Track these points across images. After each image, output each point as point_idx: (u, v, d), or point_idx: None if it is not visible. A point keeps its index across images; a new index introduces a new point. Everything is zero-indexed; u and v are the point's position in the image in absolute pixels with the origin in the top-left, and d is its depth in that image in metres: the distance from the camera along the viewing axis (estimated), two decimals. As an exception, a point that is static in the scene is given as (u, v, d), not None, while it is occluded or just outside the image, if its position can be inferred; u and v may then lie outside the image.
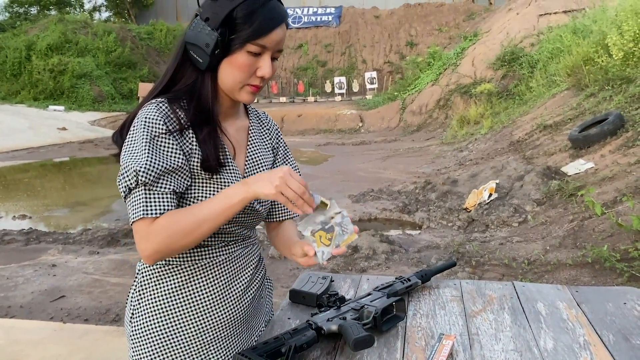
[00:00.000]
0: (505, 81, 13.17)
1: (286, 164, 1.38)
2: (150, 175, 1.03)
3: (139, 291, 1.22)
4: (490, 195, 5.98)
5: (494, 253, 4.50)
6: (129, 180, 1.04)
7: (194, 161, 1.13)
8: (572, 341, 1.21)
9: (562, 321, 1.31)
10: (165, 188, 1.05)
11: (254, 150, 1.28)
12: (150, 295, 1.20)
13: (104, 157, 11.97)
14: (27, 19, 27.01)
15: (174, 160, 1.08)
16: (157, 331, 1.19)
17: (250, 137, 1.29)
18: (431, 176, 8.11)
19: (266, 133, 1.36)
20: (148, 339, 1.20)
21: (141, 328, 1.20)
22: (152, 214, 1.03)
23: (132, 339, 1.23)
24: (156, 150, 1.06)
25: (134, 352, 1.22)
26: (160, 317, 1.19)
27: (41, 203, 8.00)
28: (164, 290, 1.19)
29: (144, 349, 1.20)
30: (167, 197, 1.05)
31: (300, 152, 12.18)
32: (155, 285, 1.19)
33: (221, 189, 1.15)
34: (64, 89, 19.76)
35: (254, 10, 1.06)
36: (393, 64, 21.99)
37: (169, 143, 1.08)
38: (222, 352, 1.24)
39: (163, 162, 1.06)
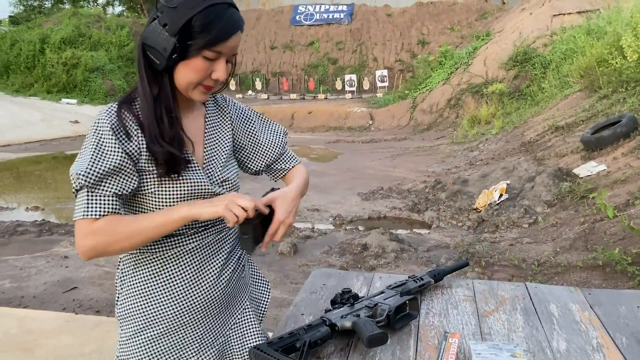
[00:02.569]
0: (517, 81, 13.08)
1: (268, 130, 1.43)
2: (90, 178, 1.09)
3: (120, 278, 1.31)
4: (501, 195, 5.96)
5: (503, 254, 4.48)
6: (74, 183, 1.11)
7: (144, 163, 1.16)
8: (585, 343, 1.21)
9: (575, 323, 1.31)
10: (106, 190, 1.11)
11: (212, 138, 1.31)
12: (130, 281, 1.28)
13: (115, 150, 12.02)
14: (42, 12, 27.24)
15: (116, 162, 1.12)
16: (138, 314, 1.26)
17: (207, 124, 1.31)
18: (441, 175, 8.09)
19: (227, 117, 1.37)
20: (131, 321, 1.27)
21: (125, 311, 1.28)
22: (91, 215, 1.10)
23: (119, 321, 1.31)
24: (100, 154, 1.11)
25: (121, 331, 1.30)
26: (140, 302, 1.26)
27: (53, 195, 8.09)
28: (141, 277, 1.26)
29: (129, 329, 1.28)
30: (108, 200, 1.11)
31: (309, 149, 12.19)
32: (134, 272, 1.27)
33: (182, 186, 1.19)
34: (76, 82, 19.86)
35: (211, 20, 1.10)
36: (404, 62, 21.87)
37: (112, 146, 1.12)
38: (201, 332, 1.30)
39: (104, 165, 1.11)
